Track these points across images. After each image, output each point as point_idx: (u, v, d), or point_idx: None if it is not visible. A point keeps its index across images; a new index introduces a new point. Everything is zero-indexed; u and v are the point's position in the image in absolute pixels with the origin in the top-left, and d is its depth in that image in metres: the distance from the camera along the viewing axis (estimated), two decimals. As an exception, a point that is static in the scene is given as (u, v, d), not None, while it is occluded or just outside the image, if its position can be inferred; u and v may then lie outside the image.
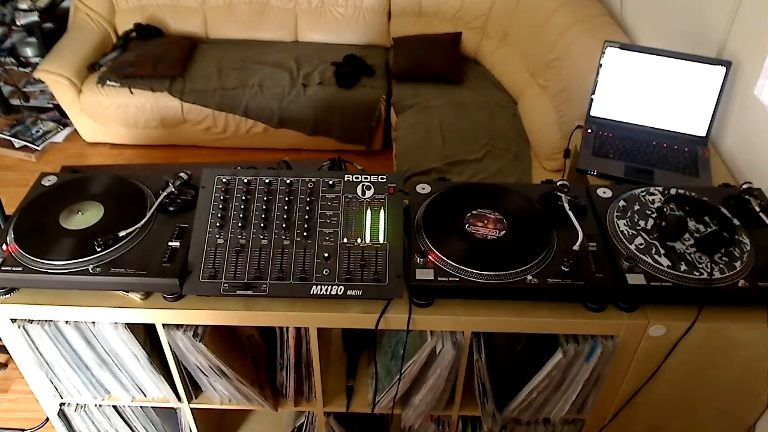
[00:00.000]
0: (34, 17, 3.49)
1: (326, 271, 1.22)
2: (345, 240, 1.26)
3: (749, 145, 1.65)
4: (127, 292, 1.26)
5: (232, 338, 1.42)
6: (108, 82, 3.25)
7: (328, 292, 1.21)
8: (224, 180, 1.32)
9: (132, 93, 3.23)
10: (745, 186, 1.40)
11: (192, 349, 1.31)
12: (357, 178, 1.33)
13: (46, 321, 1.30)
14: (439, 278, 1.22)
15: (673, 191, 1.40)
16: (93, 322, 1.30)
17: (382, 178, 1.33)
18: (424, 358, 1.33)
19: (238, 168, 1.35)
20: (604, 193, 1.42)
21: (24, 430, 2.12)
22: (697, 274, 1.23)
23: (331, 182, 1.33)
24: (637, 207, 1.37)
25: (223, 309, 1.25)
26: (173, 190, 1.33)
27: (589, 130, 1.83)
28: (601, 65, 1.82)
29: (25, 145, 3.46)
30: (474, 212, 1.33)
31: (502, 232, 1.30)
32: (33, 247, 1.24)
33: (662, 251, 1.27)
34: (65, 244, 1.24)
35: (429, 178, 2.62)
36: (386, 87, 3.33)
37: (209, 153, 3.47)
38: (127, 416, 1.60)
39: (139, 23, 3.55)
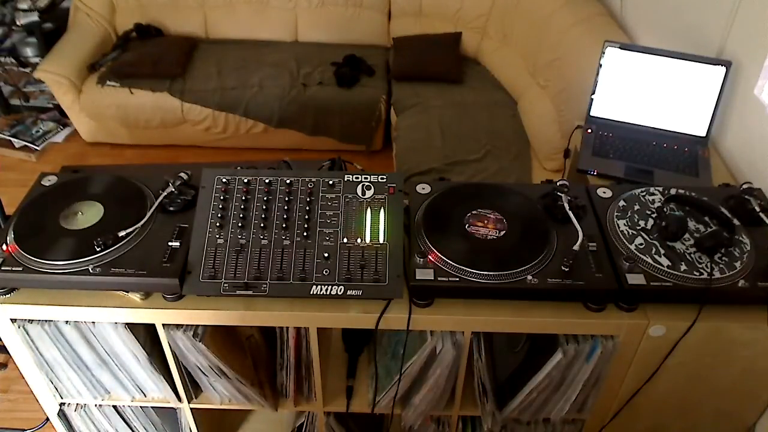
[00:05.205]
0: (34, 17, 3.49)
1: (326, 271, 1.22)
2: (345, 240, 1.26)
3: (749, 145, 1.65)
4: (127, 292, 1.26)
5: (232, 338, 1.41)
6: (108, 82, 3.25)
7: (328, 292, 1.21)
8: (224, 180, 1.32)
9: (132, 93, 3.23)
10: (745, 186, 1.40)
11: (192, 349, 1.31)
12: (357, 178, 1.33)
13: (46, 321, 1.30)
14: (439, 278, 1.22)
15: (673, 191, 1.40)
16: (93, 322, 1.30)
17: (382, 178, 1.33)
18: (424, 358, 1.33)
19: (238, 168, 1.35)
20: (604, 193, 1.42)
21: (24, 430, 2.12)
22: (697, 274, 1.23)
23: (331, 182, 1.33)
24: (637, 207, 1.37)
25: (223, 309, 1.25)
26: (173, 190, 1.33)
27: (589, 130, 1.83)
28: (601, 65, 1.82)
29: (25, 145, 3.46)
30: (474, 212, 1.33)
31: (502, 232, 1.30)
32: (33, 247, 1.24)
33: (662, 251, 1.27)
34: (65, 244, 1.24)
35: (429, 178, 2.62)
36: (386, 87, 3.33)
37: (209, 153, 3.47)
38: (127, 416, 1.60)
39: (139, 23, 3.55)
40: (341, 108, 3.26)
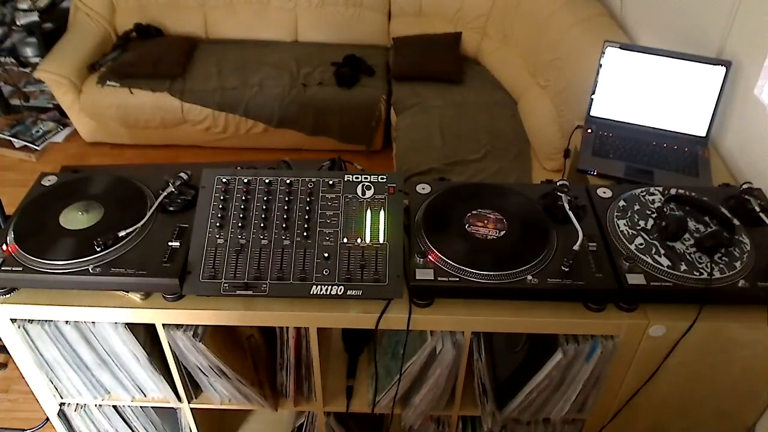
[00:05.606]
0: (34, 17, 3.49)
1: (326, 271, 1.22)
2: (345, 240, 1.26)
3: (749, 145, 1.65)
4: (127, 292, 1.26)
5: (232, 338, 1.42)
6: (108, 82, 3.25)
7: (328, 292, 1.21)
8: (224, 180, 1.32)
9: (132, 93, 3.23)
10: (745, 186, 1.40)
11: (192, 349, 1.31)
12: (357, 178, 1.33)
13: (46, 321, 1.30)
14: (439, 278, 1.22)
15: (673, 191, 1.40)
16: (93, 322, 1.30)
17: (382, 178, 1.33)
18: (424, 358, 1.33)
19: (238, 168, 1.35)
20: (604, 193, 1.42)
21: (24, 430, 2.12)
22: (697, 274, 1.23)
23: (331, 182, 1.33)
24: (637, 207, 1.37)
25: (223, 309, 1.25)
26: (173, 190, 1.33)
27: (589, 130, 1.83)
28: (601, 65, 1.82)
29: (25, 145, 3.46)
30: (474, 212, 1.33)
31: (502, 232, 1.30)
32: (33, 247, 1.24)
33: (662, 251, 1.27)
34: (65, 244, 1.24)
35: (429, 178, 2.62)
36: (386, 87, 3.33)
37: (209, 153, 3.47)
38: (127, 416, 1.60)
39: (139, 23, 3.55)
40: (341, 108, 3.26)
